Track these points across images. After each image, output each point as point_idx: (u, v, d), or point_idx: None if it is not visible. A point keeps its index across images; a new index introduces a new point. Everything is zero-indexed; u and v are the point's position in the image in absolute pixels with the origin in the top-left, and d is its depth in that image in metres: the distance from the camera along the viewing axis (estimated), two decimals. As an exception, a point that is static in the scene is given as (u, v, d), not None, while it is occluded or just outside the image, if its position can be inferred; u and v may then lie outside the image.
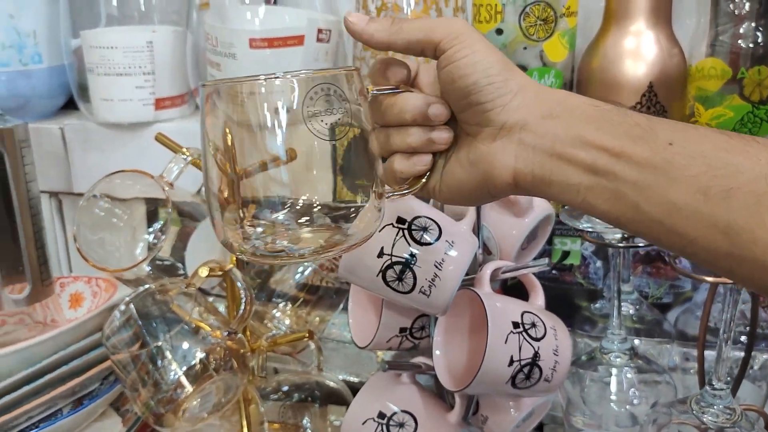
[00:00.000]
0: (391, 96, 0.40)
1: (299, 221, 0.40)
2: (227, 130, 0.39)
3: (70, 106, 0.87)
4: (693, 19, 0.69)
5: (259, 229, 0.40)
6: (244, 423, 0.64)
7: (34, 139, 0.68)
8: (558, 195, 0.37)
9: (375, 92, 0.40)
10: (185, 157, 0.62)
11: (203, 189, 0.69)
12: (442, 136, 0.40)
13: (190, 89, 0.80)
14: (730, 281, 0.47)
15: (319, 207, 0.40)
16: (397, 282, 0.51)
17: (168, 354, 0.57)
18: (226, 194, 0.40)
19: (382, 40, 0.40)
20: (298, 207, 0.39)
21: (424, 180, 0.41)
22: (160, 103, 0.77)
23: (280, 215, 0.40)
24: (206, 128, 0.39)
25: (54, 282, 0.72)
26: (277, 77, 0.36)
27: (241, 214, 0.40)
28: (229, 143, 0.39)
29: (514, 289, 0.62)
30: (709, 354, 0.61)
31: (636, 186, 0.35)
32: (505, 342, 0.51)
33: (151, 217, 0.75)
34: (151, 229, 0.71)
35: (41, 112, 0.84)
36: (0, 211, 0.64)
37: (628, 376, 0.57)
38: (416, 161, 0.40)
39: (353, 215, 0.40)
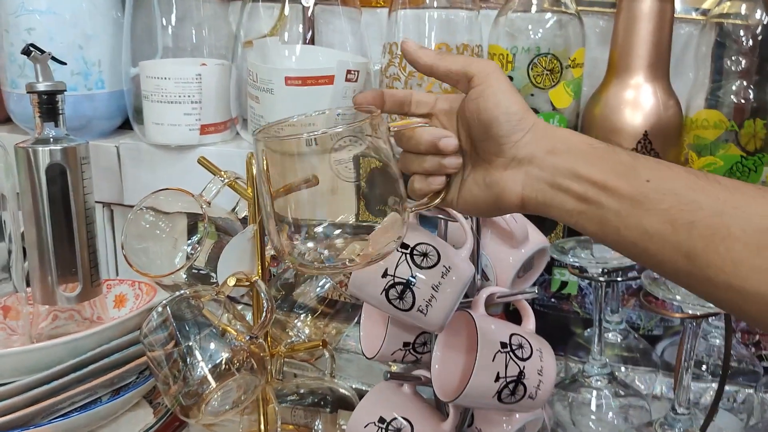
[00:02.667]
0: (410, 130, 0.48)
1: (335, 234, 0.48)
2: (265, 158, 0.47)
3: (125, 126, 0.96)
4: (692, 73, 0.74)
5: (307, 243, 0.48)
6: (262, 420, 0.71)
7: (93, 155, 0.77)
8: (557, 217, 0.45)
9: (395, 129, 0.48)
10: (223, 179, 0.70)
11: (238, 207, 0.77)
12: (452, 162, 0.48)
13: (231, 117, 0.89)
14: (693, 317, 0.52)
15: (346, 226, 0.48)
16: (398, 300, 0.58)
17: (197, 353, 0.64)
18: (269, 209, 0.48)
19: (427, 64, 0.48)
20: (330, 225, 0.48)
21: (441, 196, 0.49)
22: (204, 129, 0.85)
23: (318, 230, 0.48)
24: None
25: (102, 283, 0.80)
26: (315, 135, 0.45)
27: (287, 229, 0.48)
28: (265, 168, 0.47)
29: (516, 313, 0.68)
30: (695, 385, 0.66)
31: (617, 214, 0.41)
32: (493, 360, 0.57)
33: (191, 230, 0.82)
34: (189, 241, 0.78)
35: (100, 131, 0.93)
36: (60, 218, 0.73)
37: (607, 399, 0.62)
38: (431, 182, 0.48)
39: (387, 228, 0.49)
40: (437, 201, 0.49)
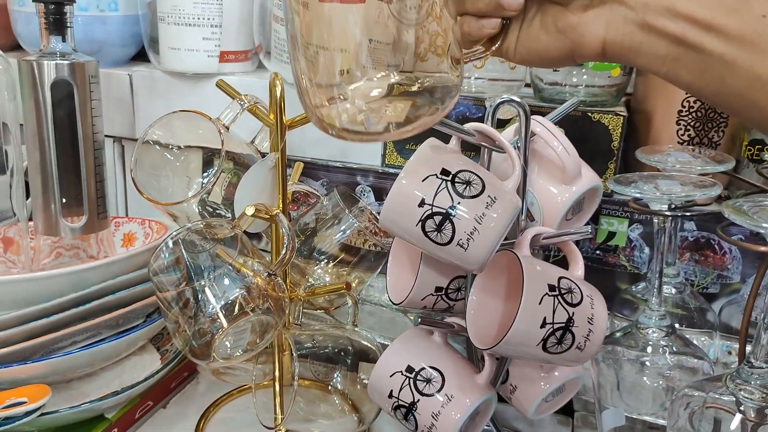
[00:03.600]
0: None
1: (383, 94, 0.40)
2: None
3: (139, 58, 0.91)
4: None
5: (346, 104, 0.40)
6: (277, 367, 0.66)
7: (103, 85, 0.71)
8: (644, 65, 0.39)
9: None
10: (242, 103, 0.64)
11: (258, 137, 0.71)
12: (513, 3, 0.40)
13: (254, 46, 0.82)
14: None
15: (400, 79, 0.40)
16: (435, 233, 0.51)
17: (208, 290, 0.59)
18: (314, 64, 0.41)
19: None
20: (379, 79, 0.40)
21: (498, 43, 0.42)
22: (224, 56, 0.79)
23: (361, 84, 0.40)
24: None
25: (109, 218, 0.75)
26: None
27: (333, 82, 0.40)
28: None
29: (556, 264, 0.62)
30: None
31: (722, 59, 0.35)
32: (540, 303, 0.51)
33: (206, 165, 0.77)
34: (205, 174, 0.73)
35: (113, 59, 0.87)
36: (66, 141, 0.67)
37: (665, 355, 0.56)
38: (485, 23, 0.41)
39: (434, 86, 0.41)
40: (492, 49, 0.42)
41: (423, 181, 0.51)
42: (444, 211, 0.51)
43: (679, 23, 0.36)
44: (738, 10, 0.35)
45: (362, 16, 0.39)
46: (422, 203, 0.51)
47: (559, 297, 0.52)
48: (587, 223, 0.62)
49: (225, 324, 0.58)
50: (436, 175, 0.52)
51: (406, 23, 0.40)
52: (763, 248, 0.47)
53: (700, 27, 0.36)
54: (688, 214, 0.52)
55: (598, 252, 0.71)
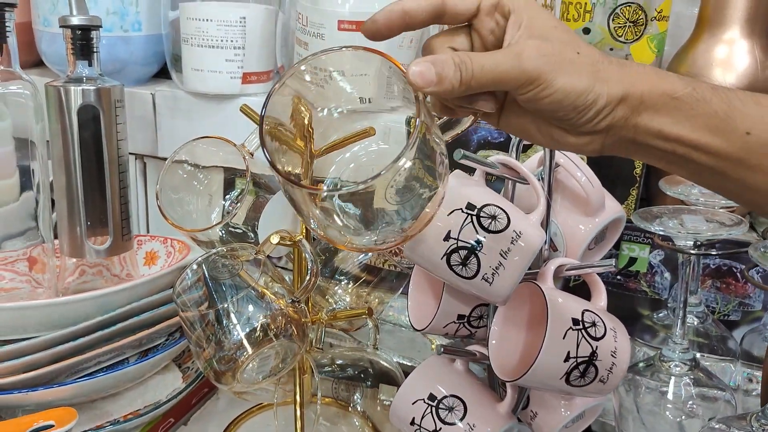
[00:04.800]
0: None
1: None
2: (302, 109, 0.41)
3: (162, 75, 0.91)
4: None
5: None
6: (298, 391, 0.66)
7: (127, 103, 0.72)
8: (642, 160, 0.42)
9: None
10: (267, 129, 0.64)
11: (248, 140, 0.71)
12: (485, 106, 0.40)
13: (276, 67, 0.83)
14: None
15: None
16: (461, 267, 0.52)
17: (233, 316, 0.60)
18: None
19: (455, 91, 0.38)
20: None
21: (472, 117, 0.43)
22: (247, 78, 0.80)
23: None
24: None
25: (133, 238, 0.76)
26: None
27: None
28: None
29: (577, 290, 0.62)
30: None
31: (713, 171, 0.37)
32: (564, 337, 0.51)
33: (228, 186, 0.78)
34: (227, 197, 0.73)
35: (136, 78, 0.88)
36: (91, 165, 0.68)
37: (687, 387, 0.56)
38: (459, 112, 0.42)
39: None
40: (469, 123, 0.44)
41: (449, 215, 0.52)
42: (470, 245, 0.51)
43: (669, 143, 0.37)
44: (723, 129, 0.36)
45: None
46: (448, 237, 0.52)
47: (583, 331, 0.52)
48: (610, 251, 0.62)
49: (250, 350, 0.58)
50: (461, 209, 0.52)
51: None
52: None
53: (688, 146, 0.37)
54: (714, 252, 0.53)
55: (619, 277, 0.71)
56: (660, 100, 0.38)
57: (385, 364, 0.72)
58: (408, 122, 0.67)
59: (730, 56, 0.62)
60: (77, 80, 0.66)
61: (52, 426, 0.59)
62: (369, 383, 0.72)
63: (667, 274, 0.69)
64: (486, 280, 0.52)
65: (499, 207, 0.53)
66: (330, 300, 0.76)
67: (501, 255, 0.51)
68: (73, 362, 0.63)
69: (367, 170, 0.55)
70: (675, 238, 0.53)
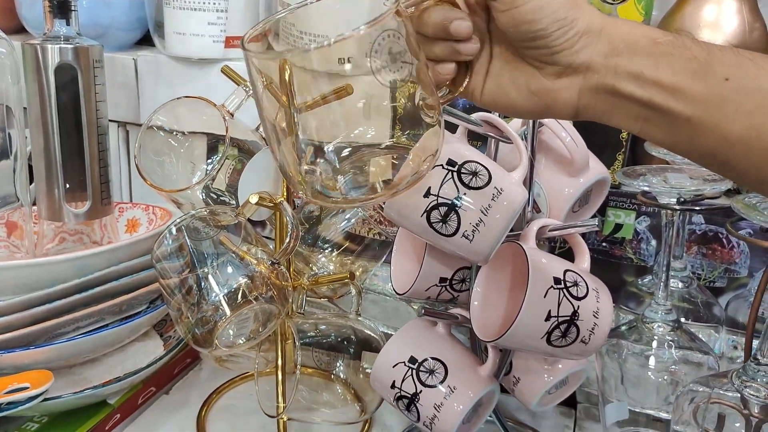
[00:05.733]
0: (417, 10, 0.40)
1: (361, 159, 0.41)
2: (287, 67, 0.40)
3: (145, 42, 0.90)
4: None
5: (319, 169, 0.41)
6: (279, 356, 0.65)
7: (108, 69, 0.71)
8: (618, 124, 0.39)
9: (404, 5, 0.40)
10: (247, 89, 0.63)
11: (229, 100, 0.70)
12: (466, 48, 0.40)
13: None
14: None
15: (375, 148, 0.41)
16: (440, 224, 0.51)
17: (212, 278, 0.59)
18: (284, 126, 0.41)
19: None
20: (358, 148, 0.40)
21: (464, 85, 0.42)
22: (230, 41, 0.78)
23: (343, 152, 0.41)
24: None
25: (113, 204, 0.75)
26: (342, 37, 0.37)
27: (301, 151, 0.41)
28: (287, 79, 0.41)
29: (562, 257, 0.61)
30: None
31: (689, 121, 0.36)
32: (545, 296, 0.51)
33: (211, 151, 0.76)
34: (209, 161, 0.72)
35: (118, 44, 0.86)
36: (69, 126, 0.67)
37: (670, 350, 0.55)
38: (440, 69, 0.41)
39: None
40: (460, 90, 0.42)
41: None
42: (450, 201, 0.50)
43: (647, 89, 0.37)
44: (702, 74, 0.36)
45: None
46: (428, 193, 0.51)
47: (565, 290, 0.51)
48: (594, 215, 0.61)
49: (228, 312, 0.57)
50: (442, 165, 0.51)
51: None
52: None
53: (666, 92, 0.36)
54: (697, 208, 0.52)
55: (604, 244, 0.70)
56: (641, 42, 0.37)
57: (368, 332, 0.71)
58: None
59: (718, 17, 0.61)
60: (55, 38, 0.65)
61: (27, 388, 0.58)
62: (352, 351, 0.71)
63: (653, 241, 0.69)
64: (466, 238, 0.51)
65: (480, 164, 0.52)
66: (314, 268, 0.75)
67: (481, 212, 0.50)
68: (51, 325, 0.62)
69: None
70: (659, 194, 0.52)
